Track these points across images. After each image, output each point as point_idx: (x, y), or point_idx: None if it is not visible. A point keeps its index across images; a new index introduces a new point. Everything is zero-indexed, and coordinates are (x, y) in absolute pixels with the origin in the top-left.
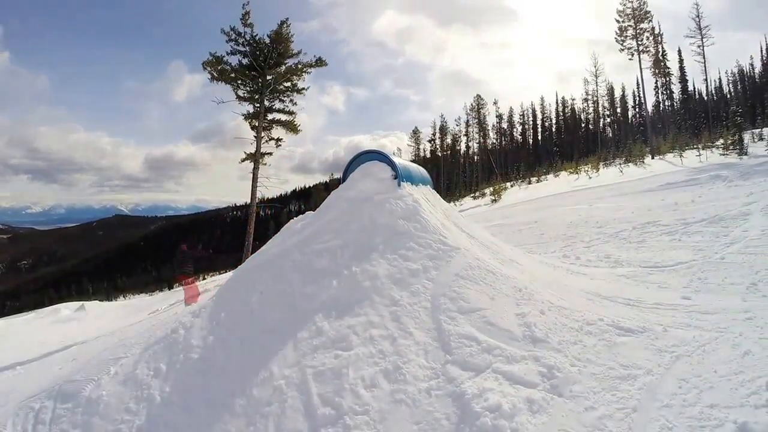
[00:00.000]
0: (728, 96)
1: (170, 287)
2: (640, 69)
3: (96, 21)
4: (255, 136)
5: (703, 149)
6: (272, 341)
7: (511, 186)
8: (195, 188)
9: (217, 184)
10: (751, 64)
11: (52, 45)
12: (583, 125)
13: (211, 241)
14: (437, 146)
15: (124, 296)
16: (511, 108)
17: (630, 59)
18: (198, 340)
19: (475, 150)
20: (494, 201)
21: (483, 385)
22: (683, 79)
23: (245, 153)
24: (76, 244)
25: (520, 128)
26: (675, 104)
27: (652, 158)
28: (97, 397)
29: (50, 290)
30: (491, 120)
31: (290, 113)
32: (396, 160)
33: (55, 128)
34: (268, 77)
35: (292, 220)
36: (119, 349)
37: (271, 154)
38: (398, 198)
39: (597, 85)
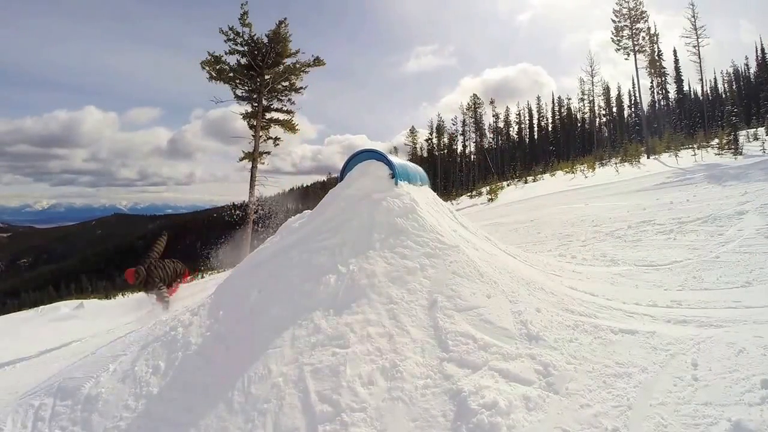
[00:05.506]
0: (723, 96)
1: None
2: (636, 69)
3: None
4: (253, 136)
5: (698, 149)
6: (270, 339)
7: (508, 185)
8: (194, 187)
9: (216, 183)
10: (746, 64)
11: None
12: (579, 125)
13: (210, 239)
14: (434, 145)
15: (122, 294)
16: (507, 107)
17: (626, 59)
18: (196, 338)
19: (472, 149)
20: (491, 200)
21: (479, 383)
22: (678, 79)
23: (243, 152)
24: (75, 243)
25: (516, 128)
26: (670, 104)
27: (648, 158)
28: (96, 394)
29: (50, 288)
30: (488, 119)
31: (288, 112)
32: (393, 159)
33: (58, 125)
34: (266, 77)
35: (290, 219)
36: (118, 347)
37: (269, 153)
38: (395, 196)
39: (593, 85)
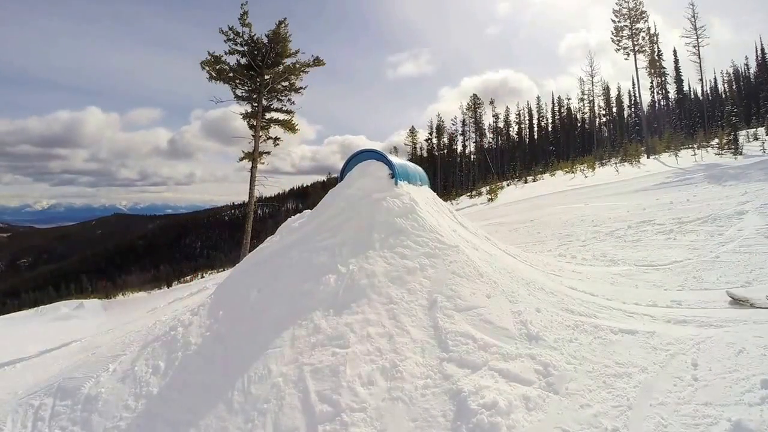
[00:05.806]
0: (723, 96)
1: (169, 285)
2: (636, 69)
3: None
4: (253, 136)
5: (698, 149)
6: (270, 339)
7: (507, 185)
8: (193, 187)
9: (216, 183)
10: (746, 64)
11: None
12: (579, 125)
13: (210, 239)
14: (434, 145)
15: (123, 294)
16: (507, 107)
17: (626, 59)
18: (196, 338)
19: (472, 149)
20: (490, 200)
21: (479, 383)
22: (678, 79)
23: (243, 152)
24: (75, 243)
25: (516, 128)
26: (670, 104)
27: (648, 158)
28: (96, 394)
29: (50, 288)
30: (488, 119)
31: (288, 112)
32: (393, 159)
33: (60, 126)
34: (266, 77)
35: (289, 219)
36: (118, 347)
37: (269, 153)
38: (395, 196)
39: (593, 85)
